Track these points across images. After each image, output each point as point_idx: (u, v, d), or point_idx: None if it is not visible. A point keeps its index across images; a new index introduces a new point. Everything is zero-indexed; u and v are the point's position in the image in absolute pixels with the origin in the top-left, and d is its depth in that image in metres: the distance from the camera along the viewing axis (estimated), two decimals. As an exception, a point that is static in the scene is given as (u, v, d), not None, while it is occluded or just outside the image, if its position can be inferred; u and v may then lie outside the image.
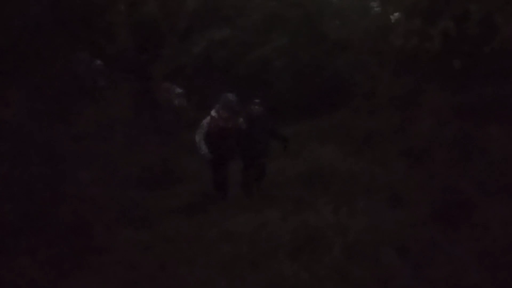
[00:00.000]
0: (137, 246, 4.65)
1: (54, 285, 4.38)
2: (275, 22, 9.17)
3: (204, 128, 5.77)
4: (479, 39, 6.18)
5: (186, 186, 6.03)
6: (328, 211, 5.08)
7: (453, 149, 5.73)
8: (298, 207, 5.21)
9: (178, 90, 8.65)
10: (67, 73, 9.00)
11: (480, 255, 4.22)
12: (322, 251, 4.40)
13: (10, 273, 4.38)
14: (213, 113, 5.86)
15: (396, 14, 6.97)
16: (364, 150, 6.55)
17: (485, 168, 5.26)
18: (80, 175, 6.00)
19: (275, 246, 4.46)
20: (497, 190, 4.94)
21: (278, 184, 5.85)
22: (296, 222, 4.88)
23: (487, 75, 6.28)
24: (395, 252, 4.37)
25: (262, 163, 5.95)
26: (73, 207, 5.39)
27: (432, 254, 4.40)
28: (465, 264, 4.21)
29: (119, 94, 9.47)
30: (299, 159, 6.41)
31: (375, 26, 7.16)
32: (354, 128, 7.06)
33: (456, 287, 4.02)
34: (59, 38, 9.76)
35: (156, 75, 9.85)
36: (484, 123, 5.74)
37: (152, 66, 10.04)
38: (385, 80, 7.30)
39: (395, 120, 6.83)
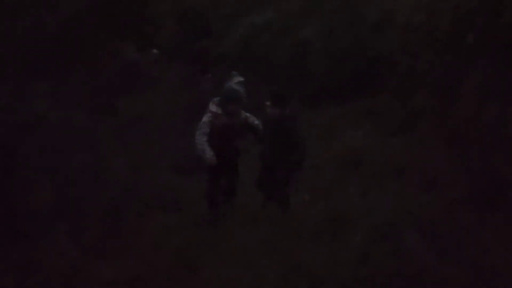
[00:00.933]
0: (168, 230, 4.83)
1: (92, 266, 4.65)
2: (314, 5, 9.06)
3: (206, 126, 4.89)
4: None
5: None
6: (357, 194, 5.05)
7: (492, 132, 5.49)
8: (327, 191, 5.21)
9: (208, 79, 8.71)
10: (114, 63, 9.38)
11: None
12: (346, 235, 4.40)
13: (51, 255, 4.69)
14: (214, 108, 4.91)
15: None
16: (400, 132, 6.40)
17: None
18: (118, 162, 6.30)
19: (299, 230, 4.50)
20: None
21: (310, 167, 5.84)
22: (322, 206, 4.90)
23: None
24: (421, 236, 4.29)
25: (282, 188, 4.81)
26: (110, 193, 5.67)
27: (461, 238, 4.28)
28: (495, 249, 4.07)
29: (165, 82, 9.76)
30: (333, 143, 6.37)
31: (411, 6, 6.92)
32: (391, 110, 6.90)
33: (483, 271, 3.90)
34: (105, 29, 10.13)
35: (201, 62, 10.04)
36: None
37: (198, 54, 10.22)
38: (426, 60, 7.04)
39: (435, 102, 6.60)
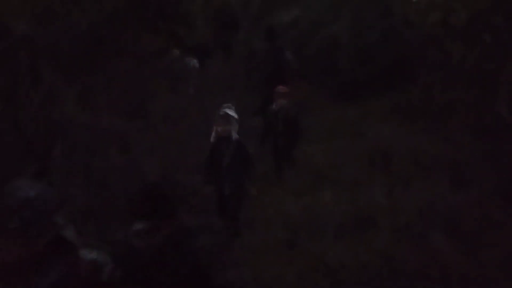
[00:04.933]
0: (199, 228, 4.88)
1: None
2: (343, 0, 8.97)
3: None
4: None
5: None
6: (383, 192, 4.98)
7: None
8: (352, 188, 5.16)
9: None
10: (145, 64, 9.54)
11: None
12: (370, 234, 4.36)
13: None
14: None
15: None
16: (430, 128, 6.26)
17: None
18: (148, 163, 6.42)
19: (322, 228, 4.48)
20: None
21: (335, 165, 5.80)
22: (347, 204, 4.86)
23: None
24: (448, 236, 4.20)
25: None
26: (138, 193, 5.79)
27: (489, 237, 4.17)
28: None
29: (195, 82, 9.84)
30: (360, 139, 6.30)
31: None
32: (421, 106, 6.76)
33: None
34: (137, 29, 10.33)
35: (230, 61, 10.10)
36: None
37: (226, 53, 10.29)
38: (458, 54, 6.86)
39: (467, 97, 6.43)
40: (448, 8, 6.50)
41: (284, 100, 5.93)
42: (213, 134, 4.84)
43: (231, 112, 4.69)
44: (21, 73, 5.98)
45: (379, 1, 8.12)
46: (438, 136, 6.09)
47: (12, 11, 7.28)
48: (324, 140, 6.50)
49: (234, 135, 4.67)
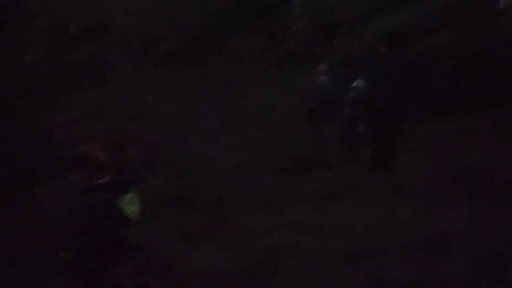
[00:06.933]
0: (260, 230, 4.88)
1: (186, 253, 4.90)
2: (452, 8, 8.41)
3: None
4: None
5: (322, 174, 6.01)
6: (465, 215, 4.59)
7: None
8: (432, 207, 4.81)
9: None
10: (240, 62, 9.72)
11: None
12: (444, 259, 4.03)
13: (155, 236, 5.01)
14: None
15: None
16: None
17: None
18: (228, 158, 6.53)
19: (391, 247, 4.23)
20: None
21: (418, 180, 5.45)
22: (423, 224, 4.54)
23: None
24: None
25: None
26: (215, 189, 5.92)
27: None
28: None
29: (288, 81, 9.82)
30: (451, 156, 5.86)
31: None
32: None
33: None
34: (238, 28, 10.55)
35: (325, 64, 9.96)
36: None
37: (324, 56, 10.17)
38: None
39: None
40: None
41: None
42: None
43: None
44: (112, 65, 6.42)
45: (485, 12, 7.51)
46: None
47: (115, 9, 7.85)
48: (412, 153, 6.15)
49: None
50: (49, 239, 5.08)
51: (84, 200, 3.86)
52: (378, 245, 4.24)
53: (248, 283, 4.14)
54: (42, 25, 8.35)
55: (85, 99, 7.24)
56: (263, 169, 6.07)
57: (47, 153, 6.23)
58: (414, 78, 8.25)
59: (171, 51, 8.56)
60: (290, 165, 6.15)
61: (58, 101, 7.91)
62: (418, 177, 5.49)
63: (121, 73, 7.41)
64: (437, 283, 3.69)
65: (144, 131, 6.32)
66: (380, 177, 5.54)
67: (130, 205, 4.04)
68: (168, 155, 6.42)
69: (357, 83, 6.54)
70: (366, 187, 5.45)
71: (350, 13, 11.18)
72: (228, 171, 6.10)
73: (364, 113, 6.10)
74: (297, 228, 4.80)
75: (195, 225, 5.27)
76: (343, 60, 9.99)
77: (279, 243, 4.54)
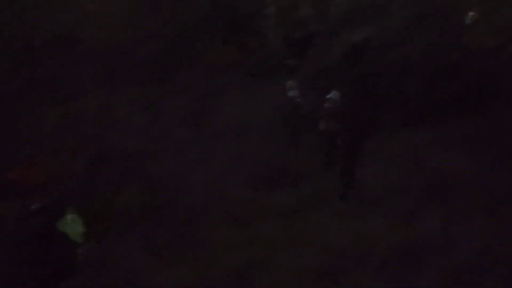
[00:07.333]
0: (232, 246, 4.78)
1: (156, 271, 4.76)
2: (417, 22, 8.56)
3: None
4: None
5: (295, 187, 5.96)
6: (438, 226, 4.60)
7: None
8: (404, 219, 4.81)
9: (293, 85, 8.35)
10: (211, 75, 9.65)
11: None
12: (418, 270, 4.01)
13: (121, 254, 4.88)
14: None
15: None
16: (500, 161, 5.73)
17: None
18: (201, 171, 6.42)
19: (366, 260, 4.19)
20: None
21: (391, 191, 5.45)
22: (396, 236, 4.53)
23: None
24: (506, 282, 3.76)
25: None
26: (188, 201, 5.81)
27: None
28: None
29: (261, 93, 9.78)
30: (421, 167, 5.89)
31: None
32: (492, 135, 6.22)
33: None
34: (209, 41, 10.47)
35: (298, 76, 9.98)
36: None
37: (297, 68, 10.19)
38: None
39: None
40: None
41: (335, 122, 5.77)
42: None
43: None
44: (80, 78, 6.27)
45: (453, 28, 7.65)
46: (507, 171, 5.57)
47: (83, 22, 7.69)
48: (383, 164, 6.17)
49: None
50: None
51: (19, 228, 3.64)
52: (352, 258, 4.20)
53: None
54: (7, 37, 8.13)
55: (52, 113, 7.04)
56: (235, 182, 5.99)
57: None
58: (383, 90, 8.37)
59: (141, 64, 8.43)
60: (262, 179, 6.08)
61: (25, 116, 7.68)
62: (390, 188, 5.49)
63: (90, 86, 7.23)
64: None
65: (113, 145, 6.18)
66: (352, 190, 5.52)
67: (72, 227, 3.89)
68: (138, 169, 6.28)
69: (332, 94, 6.55)
70: (339, 200, 5.42)
71: (321, 25, 11.28)
72: (200, 185, 5.99)
73: (337, 125, 6.09)
74: (271, 243, 4.72)
75: (165, 242, 5.14)
76: (316, 72, 10.05)
77: (253, 259, 4.45)
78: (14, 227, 3.58)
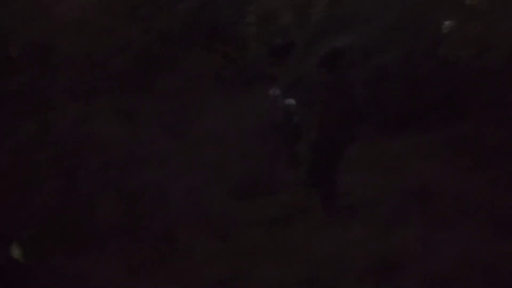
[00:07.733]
0: (213, 258, 4.74)
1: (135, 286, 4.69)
2: (397, 30, 8.66)
3: None
4: None
5: (275, 196, 5.95)
6: (417, 236, 4.62)
7: None
8: (383, 229, 4.83)
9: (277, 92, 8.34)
10: (192, 83, 9.62)
11: None
12: (394, 282, 4.02)
13: (98, 269, 4.79)
14: None
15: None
16: (479, 168, 5.81)
17: None
18: (181, 182, 6.36)
19: (348, 268, 4.19)
20: None
21: (370, 200, 5.48)
22: (376, 245, 4.54)
23: None
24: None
25: None
26: (167, 213, 5.74)
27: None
28: None
29: (242, 103, 9.79)
30: (401, 175, 5.93)
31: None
32: (472, 143, 6.31)
33: None
34: (189, 49, 10.44)
35: (278, 84, 10.00)
36: None
37: (278, 76, 10.20)
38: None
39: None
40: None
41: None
42: None
43: None
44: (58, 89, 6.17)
45: (428, 35, 7.76)
46: (487, 178, 5.64)
47: (60, 31, 7.58)
48: (362, 172, 6.19)
49: None
50: None
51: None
52: (333, 268, 4.19)
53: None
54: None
55: (28, 125, 6.93)
56: (216, 193, 5.94)
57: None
58: (361, 99, 8.43)
59: (120, 73, 8.34)
60: (243, 189, 6.05)
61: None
62: (369, 197, 5.51)
63: (67, 97, 7.13)
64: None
65: (91, 156, 6.08)
66: (334, 199, 5.53)
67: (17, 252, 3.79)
68: (117, 181, 6.19)
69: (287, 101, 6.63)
70: (319, 209, 5.43)
71: (301, 33, 11.34)
72: (180, 195, 5.93)
73: (316, 133, 6.11)
74: (252, 254, 4.69)
75: (144, 255, 5.06)
76: (296, 80, 10.08)
77: (234, 272, 4.41)
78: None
